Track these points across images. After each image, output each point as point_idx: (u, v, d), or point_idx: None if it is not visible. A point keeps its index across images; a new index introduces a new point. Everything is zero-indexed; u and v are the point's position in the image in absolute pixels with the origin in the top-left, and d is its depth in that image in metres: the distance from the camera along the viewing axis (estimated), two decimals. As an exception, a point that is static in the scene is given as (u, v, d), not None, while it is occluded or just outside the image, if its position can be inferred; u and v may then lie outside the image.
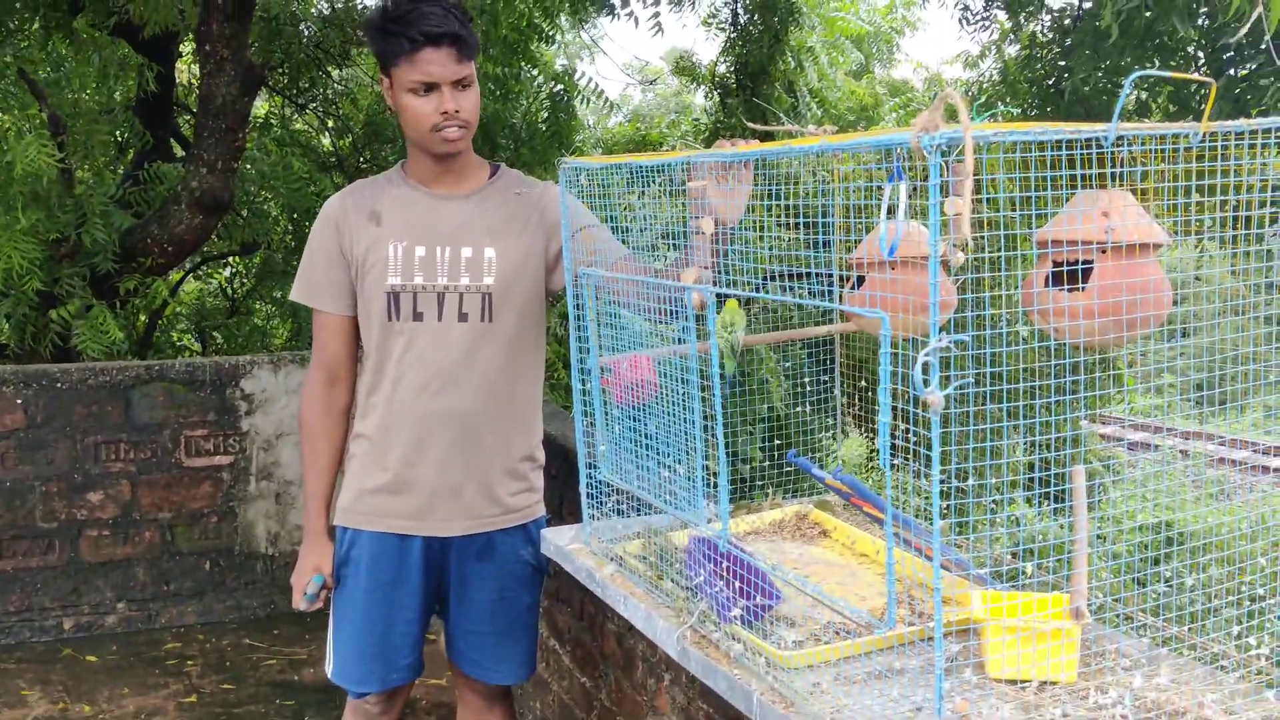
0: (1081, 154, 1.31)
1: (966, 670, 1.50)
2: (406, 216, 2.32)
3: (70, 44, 6.06)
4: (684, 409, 1.82)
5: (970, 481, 1.29)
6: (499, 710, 2.56)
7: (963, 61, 7.39)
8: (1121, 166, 1.36)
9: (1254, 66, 3.65)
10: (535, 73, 7.51)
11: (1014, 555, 1.56)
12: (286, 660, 4.15)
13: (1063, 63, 4.58)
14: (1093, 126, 1.27)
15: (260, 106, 8.31)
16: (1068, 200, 1.45)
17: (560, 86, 7.36)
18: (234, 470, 4.56)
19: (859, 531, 2.18)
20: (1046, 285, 1.47)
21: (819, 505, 2.35)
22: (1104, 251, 1.43)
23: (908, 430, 1.35)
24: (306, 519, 2.43)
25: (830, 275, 2.09)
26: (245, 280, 8.65)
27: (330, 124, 7.88)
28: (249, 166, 6.39)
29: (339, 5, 7.32)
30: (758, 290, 2.03)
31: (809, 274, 2.13)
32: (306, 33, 7.05)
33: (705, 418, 1.76)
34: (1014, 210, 1.29)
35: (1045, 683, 1.47)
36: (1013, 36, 5.51)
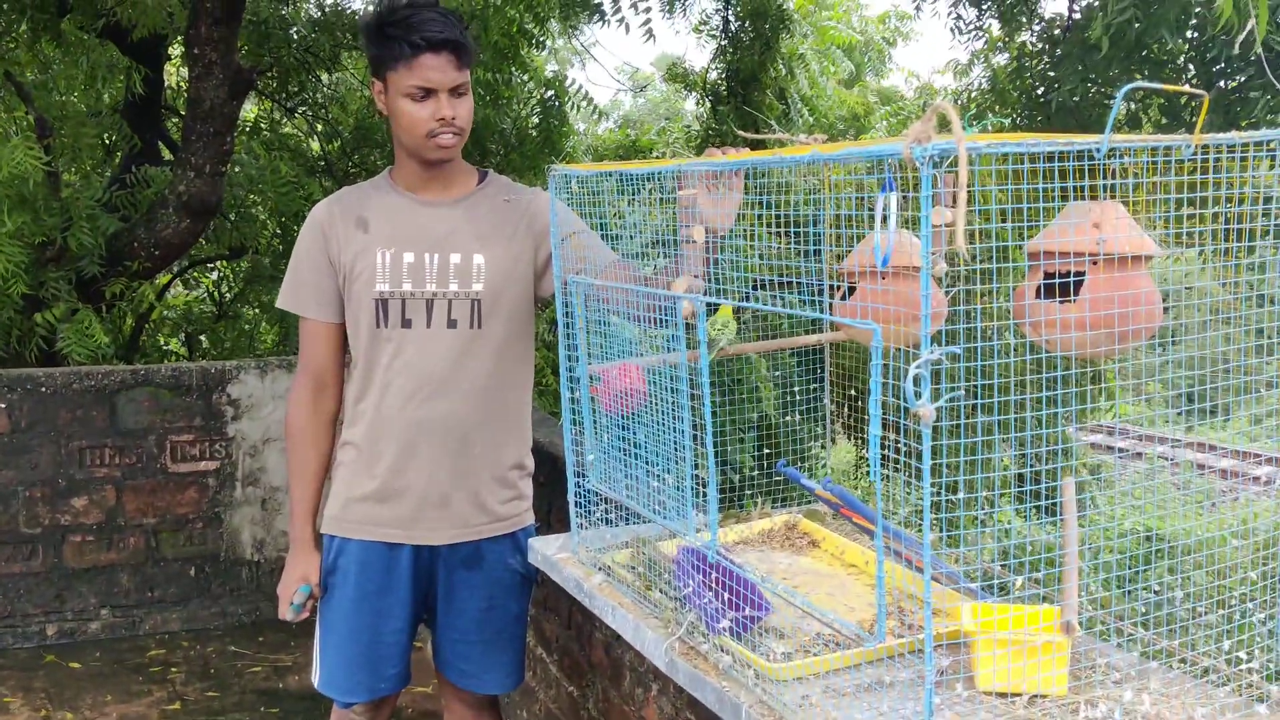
0: (1073, 165, 1.31)
1: (957, 684, 1.49)
2: (394, 223, 2.31)
3: (58, 46, 6.03)
4: (673, 418, 1.81)
5: (960, 494, 1.28)
6: (486, 719, 2.54)
7: (952, 70, 7.41)
8: (1111, 178, 1.35)
9: (1243, 79, 3.66)
10: (526, 78, 7.50)
11: (1005, 568, 1.55)
12: (271, 667, 4.12)
13: (1052, 73, 4.59)
14: (1085, 138, 1.27)
15: (249, 110, 8.28)
16: (1058, 212, 1.45)
17: (551, 92, 7.36)
18: (220, 476, 4.53)
19: (848, 542, 2.17)
20: (1038, 297, 1.47)
21: (808, 515, 2.34)
22: (1095, 263, 1.42)
23: (897, 441, 1.35)
24: (292, 528, 2.41)
25: (819, 284, 2.09)
26: (232, 285, 8.61)
27: (319, 128, 7.86)
28: (237, 170, 6.36)
29: (328, 9, 7.31)
30: (747, 298, 2.02)
31: (798, 283, 2.12)
32: (296, 37, 7.03)
33: (694, 427, 1.75)
34: (1003, 222, 1.28)
35: (1035, 696, 1.46)
36: (1001, 46, 5.53)
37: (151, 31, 5.16)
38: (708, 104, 7.88)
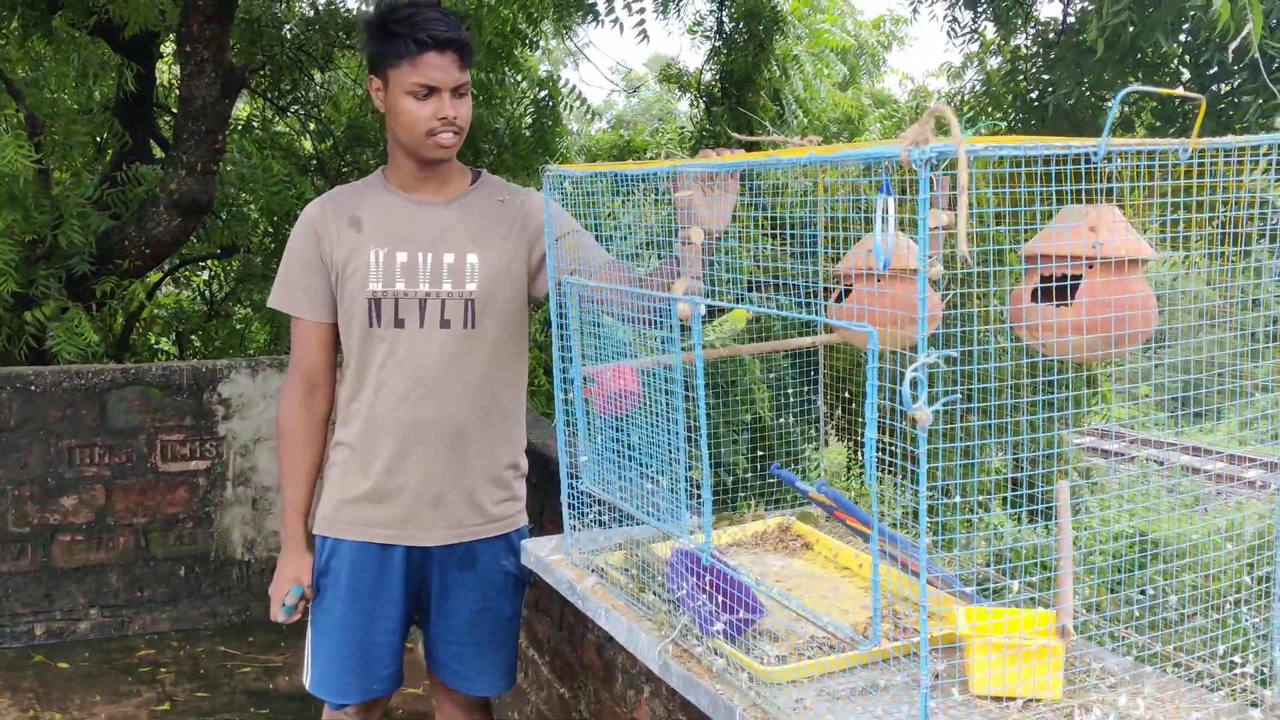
0: (1069, 169, 1.31)
1: (952, 688, 1.49)
2: (388, 222, 2.30)
3: (49, 43, 6.01)
4: (667, 419, 1.80)
5: (956, 498, 1.28)
6: (477, 721, 2.53)
7: (946, 73, 7.42)
8: (1104, 182, 1.35)
9: (1236, 83, 3.67)
10: (519, 78, 7.49)
11: (1000, 572, 1.55)
12: (262, 668, 4.11)
13: (1046, 76, 4.59)
14: (1083, 141, 1.27)
15: (241, 108, 8.25)
16: (1053, 215, 1.45)
17: (544, 92, 7.35)
18: (210, 475, 4.51)
19: (841, 544, 2.17)
20: (1034, 300, 1.46)
21: (801, 517, 2.34)
22: (1091, 267, 1.42)
23: (890, 443, 1.34)
24: (284, 528, 2.40)
25: (814, 287, 2.08)
26: (224, 283, 8.58)
27: (312, 127, 7.83)
28: (229, 169, 6.34)
29: (321, 8, 7.29)
30: (741, 300, 2.02)
31: (792, 284, 2.12)
32: (288, 35, 7.01)
33: (689, 429, 1.74)
34: (997, 225, 1.28)
35: (1030, 701, 1.46)
36: (995, 49, 5.54)
37: (143, 29, 5.15)
38: (702, 105, 7.87)
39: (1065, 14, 4.87)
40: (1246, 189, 1.42)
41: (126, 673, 4.04)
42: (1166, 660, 1.50)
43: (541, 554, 2.21)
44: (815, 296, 2.07)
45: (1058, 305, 1.43)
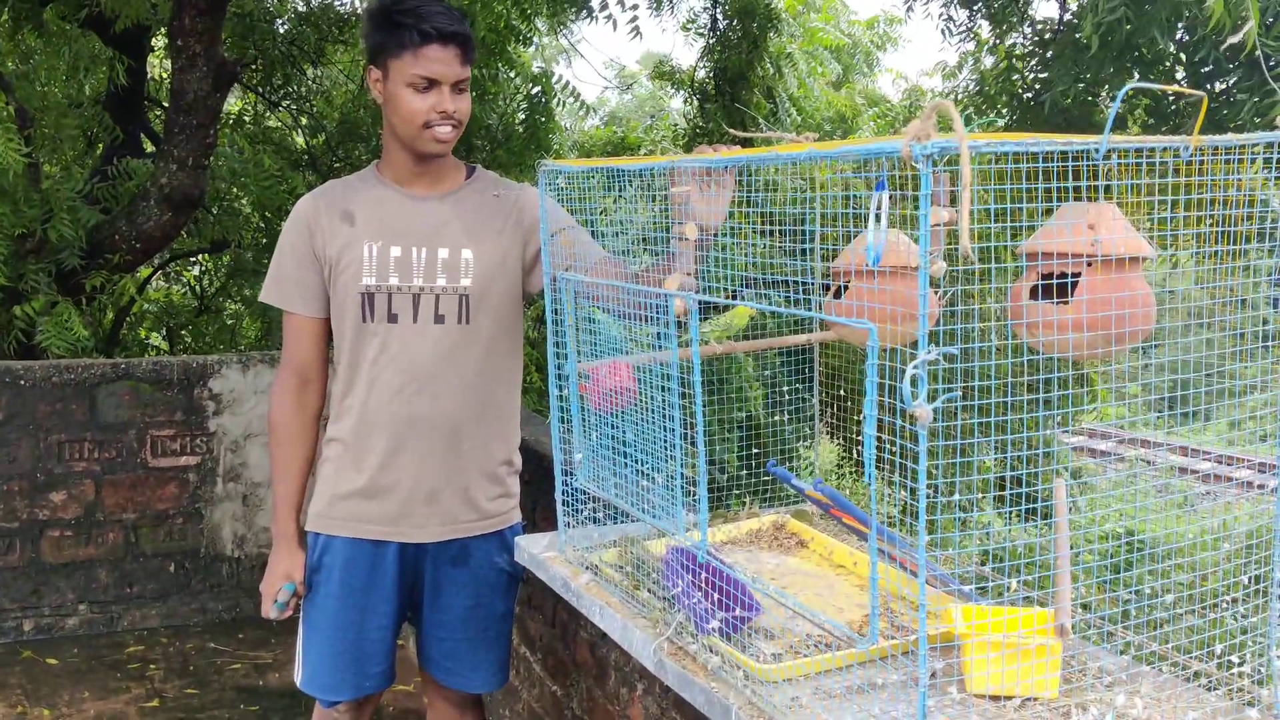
0: (1058, 166, 1.30)
1: (949, 687, 1.48)
2: (381, 216, 2.29)
3: (39, 36, 5.96)
4: (663, 416, 1.79)
5: (956, 496, 1.27)
6: (470, 718, 2.52)
7: (940, 72, 7.42)
8: (1099, 180, 1.34)
9: (1232, 81, 3.67)
10: (513, 74, 7.46)
11: (997, 571, 1.54)
12: (252, 664, 4.09)
13: (1044, 74, 4.59)
14: (1084, 139, 1.26)
15: (233, 103, 8.21)
16: (1045, 213, 1.44)
17: (538, 89, 7.33)
18: (201, 471, 4.49)
19: (836, 542, 2.16)
20: (1033, 298, 1.46)
21: (796, 515, 2.33)
22: (1090, 264, 1.42)
23: (884, 440, 1.34)
24: (276, 524, 2.38)
25: (809, 283, 2.08)
26: (214, 279, 8.55)
27: (304, 122, 7.80)
28: (220, 163, 6.31)
29: (314, 3, 7.26)
30: (735, 296, 2.01)
31: (787, 281, 2.11)
32: (281, 29, 6.98)
33: (685, 426, 1.73)
34: (992, 222, 1.27)
35: (1027, 700, 1.45)
36: (990, 48, 5.54)
37: (135, 22, 5.11)
38: (695, 102, 7.86)
39: (1062, 11, 4.87)
40: (1246, 187, 1.41)
41: (115, 669, 4.02)
42: (1163, 660, 1.50)
43: (535, 551, 2.20)
44: (810, 293, 2.06)
45: (1057, 303, 1.42)
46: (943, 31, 5.45)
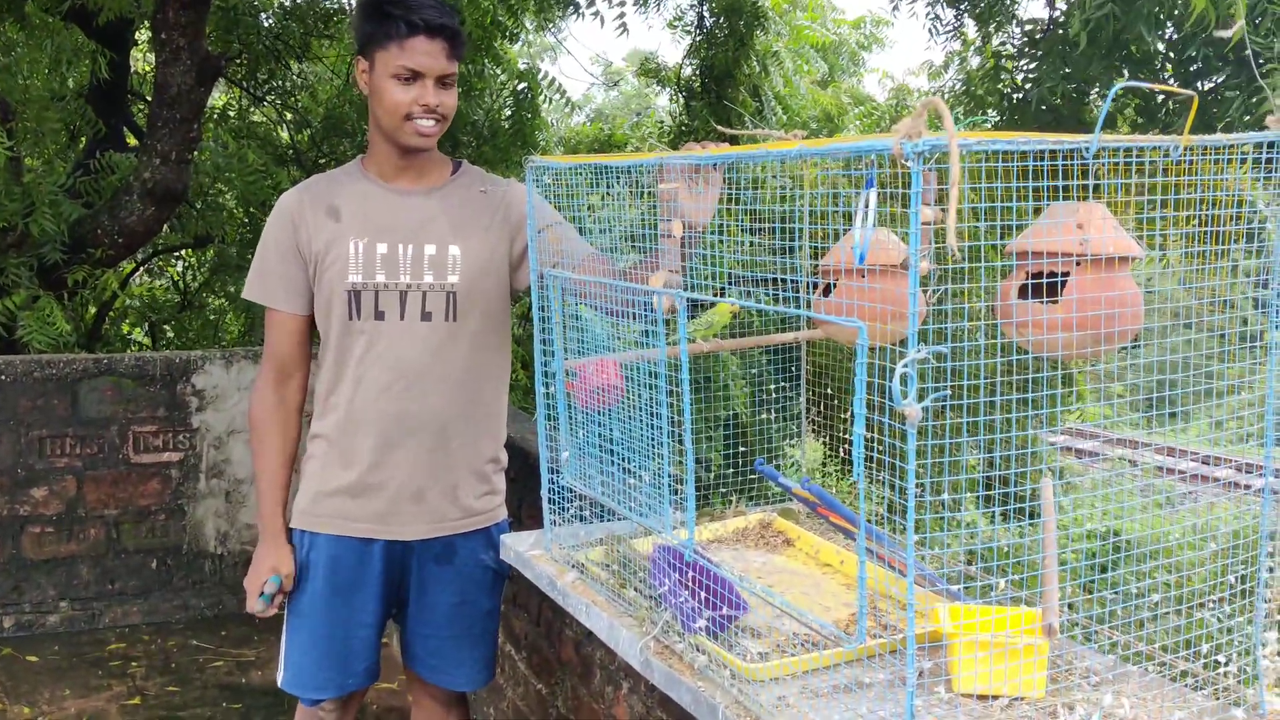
0: (1047, 165, 1.30)
1: (936, 686, 1.48)
2: (367, 212, 2.27)
3: (21, 28, 5.90)
4: (650, 414, 1.78)
5: (945, 495, 1.27)
6: (455, 716, 2.51)
7: (926, 72, 7.43)
8: (1086, 179, 1.34)
9: (1220, 79, 3.69)
10: (498, 70, 7.44)
11: (985, 571, 1.54)
12: (234, 662, 4.07)
13: (1033, 74, 4.60)
14: (1074, 138, 1.26)
15: (217, 97, 8.16)
16: (1033, 211, 1.44)
17: (524, 85, 7.31)
18: (183, 467, 4.46)
19: (823, 540, 2.16)
20: (1021, 297, 1.46)
21: (782, 513, 2.33)
22: (1079, 264, 1.41)
23: (871, 439, 1.33)
24: (261, 519, 2.36)
25: (796, 281, 2.07)
26: (198, 274, 8.50)
27: (288, 117, 7.76)
28: (204, 158, 6.27)
29: (299, -3, 7.21)
30: (722, 293, 2.01)
31: (773, 279, 2.11)
32: (266, 24, 6.93)
33: (672, 423, 1.72)
34: (978, 221, 1.27)
35: (1014, 699, 1.45)
36: (976, 48, 5.55)
37: (118, 15, 5.07)
38: (681, 100, 7.85)
39: (1051, 10, 4.89)
40: (1235, 188, 1.41)
41: (96, 666, 3.99)
42: (1150, 659, 1.50)
43: (521, 549, 2.19)
44: (797, 291, 2.06)
45: (1046, 302, 1.42)
46: (929, 30, 5.46)
